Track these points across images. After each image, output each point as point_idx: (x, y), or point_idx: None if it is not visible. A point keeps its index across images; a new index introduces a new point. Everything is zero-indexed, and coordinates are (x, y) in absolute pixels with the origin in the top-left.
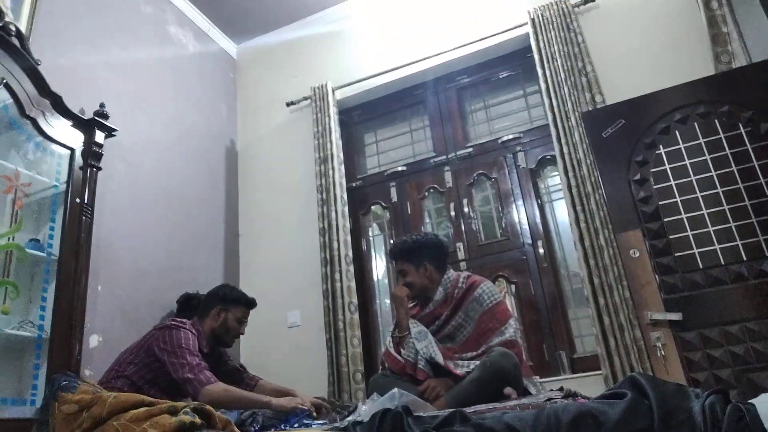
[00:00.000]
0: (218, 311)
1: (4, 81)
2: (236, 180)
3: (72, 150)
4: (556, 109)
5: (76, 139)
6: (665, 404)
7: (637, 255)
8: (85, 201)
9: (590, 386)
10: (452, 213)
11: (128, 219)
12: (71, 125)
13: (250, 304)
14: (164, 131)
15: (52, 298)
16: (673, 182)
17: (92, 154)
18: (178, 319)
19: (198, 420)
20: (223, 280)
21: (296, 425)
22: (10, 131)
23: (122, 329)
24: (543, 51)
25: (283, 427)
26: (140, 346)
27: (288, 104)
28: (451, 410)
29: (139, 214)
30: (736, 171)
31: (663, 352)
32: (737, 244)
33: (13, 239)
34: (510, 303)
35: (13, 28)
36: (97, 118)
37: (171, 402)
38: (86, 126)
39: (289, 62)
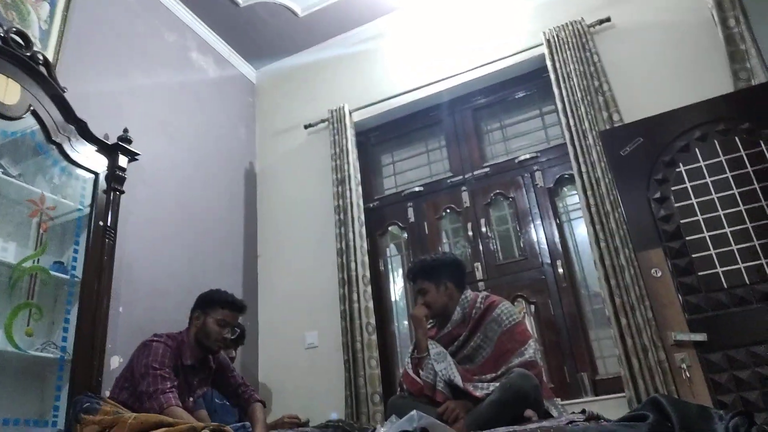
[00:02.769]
0: (197, 316)
1: (32, 108)
2: (255, 202)
3: (96, 174)
4: (573, 128)
5: (100, 163)
6: (687, 427)
7: (660, 274)
8: (108, 224)
9: (613, 409)
10: (470, 233)
11: (149, 241)
12: (96, 150)
13: (230, 304)
14: (185, 154)
15: (74, 320)
16: (694, 200)
17: (115, 178)
18: (157, 334)
19: None
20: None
21: None
22: (37, 156)
23: None
24: (559, 71)
25: None
26: (128, 367)
27: (306, 126)
28: None
29: (160, 235)
30: (758, 188)
31: (688, 374)
32: (762, 263)
33: (38, 262)
34: (529, 323)
35: (41, 57)
36: (120, 143)
37: (191, 422)
38: (110, 151)
39: (307, 85)
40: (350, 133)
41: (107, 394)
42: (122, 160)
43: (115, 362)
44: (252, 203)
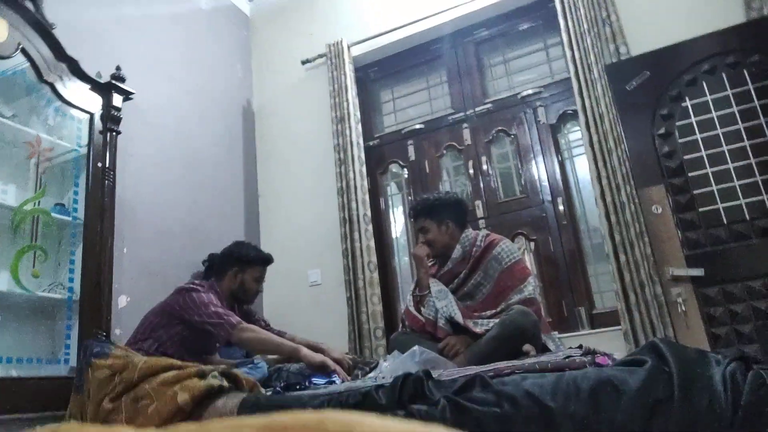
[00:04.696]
0: (235, 273)
1: (21, 46)
2: (254, 140)
3: (91, 114)
4: (578, 62)
5: (94, 103)
6: (685, 372)
7: (660, 211)
8: (107, 165)
9: (609, 341)
10: (471, 171)
11: (150, 181)
12: (89, 89)
13: (267, 261)
14: (181, 92)
15: (80, 261)
16: (698, 136)
17: (111, 118)
18: (196, 282)
19: (226, 383)
20: (245, 239)
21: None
22: (29, 96)
23: (149, 289)
24: (565, 0)
25: (306, 384)
26: (163, 310)
27: (303, 62)
28: (470, 374)
29: (160, 176)
30: (764, 123)
31: (684, 308)
32: (763, 198)
33: (38, 204)
34: (529, 260)
35: None
36: (114, 81)
37: (199, 365)
38: (104, 89)
39: (303, 19)
40: (349, 68)
41: (118, 332)
42: (117, 99)
43: (122, 301)
44: (251, 142)
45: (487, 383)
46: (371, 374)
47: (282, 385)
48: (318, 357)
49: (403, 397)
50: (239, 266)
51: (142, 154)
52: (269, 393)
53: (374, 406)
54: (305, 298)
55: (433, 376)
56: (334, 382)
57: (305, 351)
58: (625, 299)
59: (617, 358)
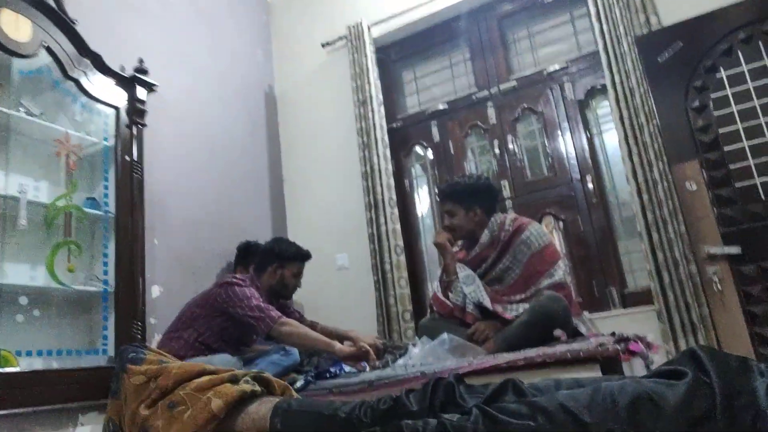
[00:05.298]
0: (275, 269)
1: (45, 44)
2: (277, 126)
3: (117, 108)
4: (606, 34)
5: (119, 97)
6: (727, 385)
7: (694, 187)
8: (135, 158)
9: (642, 322)
10: (497, 150)
11: (177, 172)
12: (114, 83)
13: (305, 257)
14: (203, 81)
15: (113, 254)
16: (734, 108)
17: (136, 111)
18: (238, 276)
19: (258, 388)
20: (272, 226)
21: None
22: (56, 93)
23: (181, 279)
24: None
25: (338, 371)
26: (205, 301)
27: (324, 45)
28: (503, 380)
29: (186, 166)
30: None
31: (720, 287)
32: None
33: (70, 200)
34: (558, 240)
35: None
36: (137, 74)
37: (231, 370)
38: (128, 83)
39: (322, 1)
40: (370, 50)
41: (152, 321)
42: (141, 92)
43: (156, 291)
44: (274, 128)
45: (519, 389)
46: (400, 361)
47: (313, 373)
48: (351, 352)
49: (434, 402)
50: (279, 262)
51: (168, 145)
52: (301, 382)
53: (405, 413)
54: (333, 283)
55: (464, 364)
56: (366, 366)
57: (338, 346)
58: (658, 278)
59: (650, 342)
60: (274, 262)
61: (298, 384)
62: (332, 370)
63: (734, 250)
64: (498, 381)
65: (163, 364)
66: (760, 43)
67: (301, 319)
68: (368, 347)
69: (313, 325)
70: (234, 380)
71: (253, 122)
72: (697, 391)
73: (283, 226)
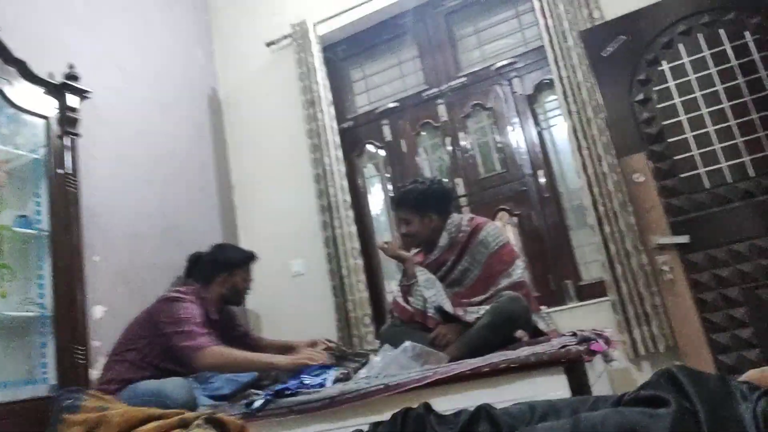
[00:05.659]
0: (224, 278)
1: None
2: (223, 130)
3: (46, 118)
4: (551, 29)
5: (48, 106)
6: (713, 414)
7: (642, 179)
8: (69, 170)
9: (598, 313)
10: (449, 147)
11: (116, 184)
12: (43, 92)
13: (251, 258)
14: (141, 87)
15: (49, 275)
16: (677, 100)
17: (68, 120)
18: (181, 290)
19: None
20: (222, 234)
21: (312, 376)
22: None
23: (126, 297)
24: None
25: (297, 386)
26: (146, 319)
27: (268, 44)
28: (475, 409)
29: (126, 177)
30: (742, 83)
31: (671, 276)
32: (744, 161)
33: None
34: (513, 236)
35: None
36: (67, 81)
37: (181, 413)
38: (58, 91)
39: None
40: (316, 48)
41: (96, 344)
42: (72, 100)
43: (99, 312)
44: (220, 132)
45: (493, 418)
46: (363, 371)
47: (272, 391)
48: (294, 362)
49: None
50: (227, 271)
51: (105, 155)
52: (260, 402)
53: None
54: (290, 290)
55: (429, 374)
56: (326, 378)
57: (278, 361)
58: (611, 270)
59: (609, 338)
60: (223, 271)
61: (257, 404)
62: (291, 384)
63: (682, 239)
64: (469, 406)
65: (103, 412)
66: (699, 35)
67: (244, 336)
68: (309, 353)
69: (258, 342)
70: (184, 425)
71: (198, 127)
72: (683, 422)
73: (234, 234)
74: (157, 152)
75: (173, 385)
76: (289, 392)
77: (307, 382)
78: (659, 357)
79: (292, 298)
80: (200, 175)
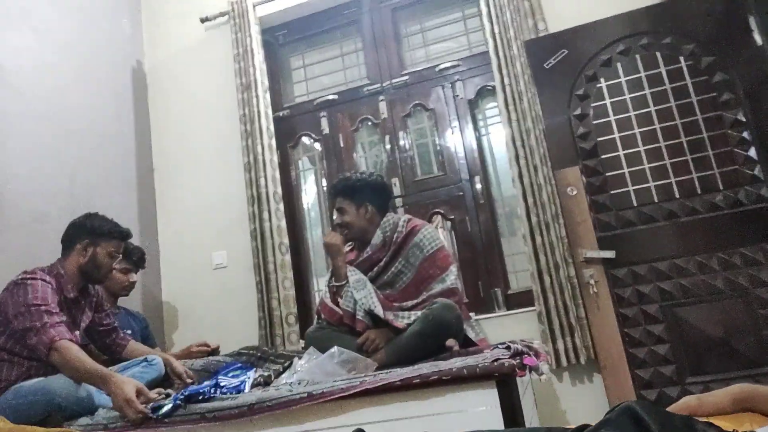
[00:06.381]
0: (85, 246)
1: None
2: (147, 107)
3: None
4: (497, 36)
5: None
6: None
7: (575, 193)
8: None
9: (524, 322)
10: (388, 146)
11: (20, 159)
12: None
13: (125, 236)
14: (57, 52)
15: None
16: (612, 117)
17: None
18: (28, 271)
19: None
20: (138, 219)
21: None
22: None
23: None
24: None
25: (212, 390)
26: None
27: (203, 20)
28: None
29: (33, 151)
30: (674, 106)
31: (596, 289)
32: (671, 182)
33: None
34: (446, 239)
35: None
36: None
37: (62, 430)
38: None
39: None
40: (255, 30)
41: None
42: None
43: None
44: (143, 108)
45: None
46: (285, 376)
47: (183, 394)
48: (128, 387)
49: None
50: (91, 238)
51: (9, 125)
52: (168, 406)
53: None
54: (209, 283)
55: (356, 383)
56: (244, 382)
57: (116, 383)
58: (540, 281)
59: (538, 350)
60: (85, 237)
61: (165, 409)
62: (205, 387)
63: (609, 254)
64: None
65: None
66: (637, 56)
67: (112, 331)
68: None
69: (125, 340)
70: None
71: (119, 102)
72: None
73: (152, 220)
74: (71, 126)
75: (59, 386)
76: (202, 397)
77: (223, 384)
78: (579, 369)
79: (211, 291)
80: (118, 154)
